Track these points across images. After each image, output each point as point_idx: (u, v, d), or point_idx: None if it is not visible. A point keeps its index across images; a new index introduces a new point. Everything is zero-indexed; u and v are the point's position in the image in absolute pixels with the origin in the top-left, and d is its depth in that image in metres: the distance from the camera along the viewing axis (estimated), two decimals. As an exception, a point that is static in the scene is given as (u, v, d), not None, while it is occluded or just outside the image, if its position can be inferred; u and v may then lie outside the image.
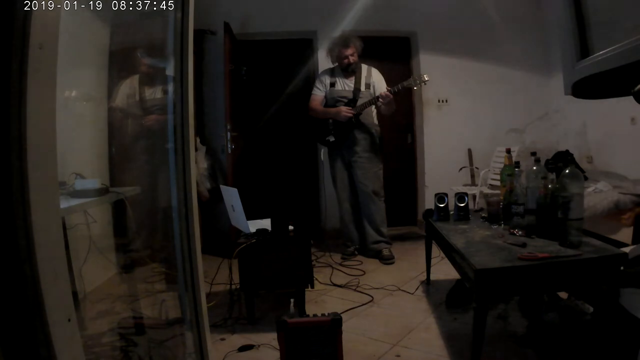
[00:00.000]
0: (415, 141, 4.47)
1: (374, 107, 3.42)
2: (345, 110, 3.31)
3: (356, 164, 3.39)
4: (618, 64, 0.67)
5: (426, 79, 3.22)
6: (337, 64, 3.44)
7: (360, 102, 3.35)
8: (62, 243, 0.70)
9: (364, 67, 3.45)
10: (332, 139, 3.40)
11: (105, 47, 2.79)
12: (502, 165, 2.57)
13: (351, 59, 3.34)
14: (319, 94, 3.50)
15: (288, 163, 4.49)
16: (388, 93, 3.18)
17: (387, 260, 3.35)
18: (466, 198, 2.51)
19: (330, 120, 3.40)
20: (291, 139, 4.49)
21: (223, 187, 2.47)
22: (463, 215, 2.46)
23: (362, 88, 3.39)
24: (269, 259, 2.26)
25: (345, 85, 3.43)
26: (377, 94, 3.28)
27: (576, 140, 3.95)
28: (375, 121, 3.48)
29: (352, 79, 3.42)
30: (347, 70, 3.39)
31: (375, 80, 3.42)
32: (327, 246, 3.77)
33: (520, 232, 1.97)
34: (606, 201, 2.62)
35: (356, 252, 3.54)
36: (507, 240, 1.89)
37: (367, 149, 3.39)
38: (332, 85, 3.46)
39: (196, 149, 3.54)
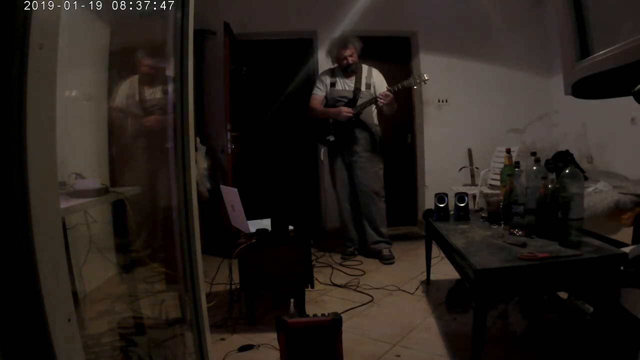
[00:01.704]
0: (415, 141, 4.47)
1: (374, 107, 3.42)
2: (345, 111, 3.31)
3: (356, 164, 3.39)
4: (618, 64, 0.67)
5: (426, 78, 3.22)
6: (337, 64, 3.45)
7: (360, 102, 3.35)
8: (62, 243, 0.69)
9: (365, 67, 3.45)
10: (332, 138, 3.40)
11: (105, 47, 2.79)
12: (502, 165, 2.56)
13: (350, 59, 3.34)
14: (319, 93, 3.49)
15: (288, 163, 4.48)
16: (388, 92, 3.19)
17: (387, 260, 3.35)
18: (466, 198, 2.51)
19: (331, 120, 3.40)
20: (291, 139, 4.49)
21: (223, 187, 2.47)
22: (463, 215, 2.46)
23: (363, 88, 3.39)
24: (269, 259, 2.26)
25: (345, 85, 3.43)
26: (378, 93, 3.29)
27: (576, 140, 3.95)
28: (376, 121, 3.48)
29: (353, 79, 3.42)
30: (347, 71, 3.39)
31: (376, 81, 3.42)
32: (327, 246, 3.77)
33: (520, 232, 1.97)
34: (606, 201, 2.62)
35: (356, 252, 3.54)
36: (507, 240, 1.89)
37: (367, 149, 3.39)
38: (333, 85, 3.46)
39: (196, 149, 3.54)
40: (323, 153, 3.61)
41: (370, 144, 3.41)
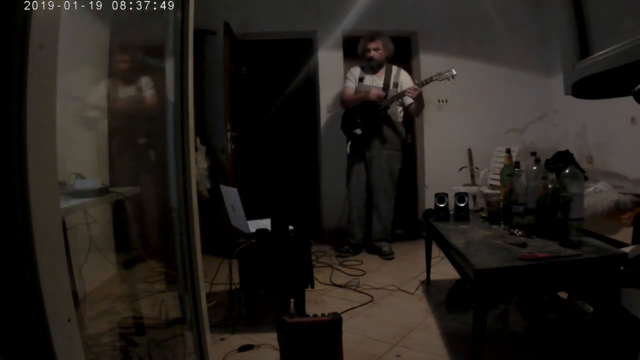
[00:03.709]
0: (415, 141, 4.46)
1: (400, 108, 3.47)
2: (376, 89, 3.35)
3: (376, 160, 3.42)
4: (618, 64, 0.67)
5: (454, 72, 3.24)
6: (364, 62, 3.50)
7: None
8: (62, 243, 0.69)
9: (394, 67, 3.51)
10: (359, 132, 3.43)
11: (105, 47, 2.79)
12: (502, 165, 2.56)
13: (373, 53, 3.40)
14: (351, 85, 3.55)
15: (288, 163, 4.48)
16: (415, 86, 3.23)
17: (387, 255, 3.40)
18: (466, 198, 2.50)
19: (358, 114, 3.43)
20: (291, 139, 4.49)
21: (223, 187, 2.47)
22: (463, 215, 2.46)
23: (391, 86, 3.43)
24: (269, 259, 2.26)
25: (373, 81, 3.47)
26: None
27: (576, 140, 3.95)
28: (400, 120, 3.52)
29: (382, 76, 3.47)
30: (370, 63, 3.44)
31: (403, 80, 3.46)
32: (327, 246, 3.77)
33: (520, 232, 1.97)
34: (606, 201, 2.62)
35: (351, 251, 3.55)
36: (507, 240, 1.89)
37: (390, 147, 3.44)
38: (361, 80, 3.51)
39: (196, 149, 3.54)
40: (349, 147, 3.59)
41: (394, 143, 3.45)
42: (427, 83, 3.27)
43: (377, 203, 3.47)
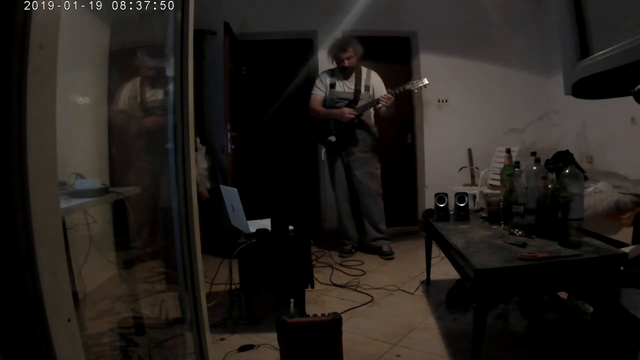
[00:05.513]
0: (415, 141, 4.47)
1: (372, 109, 3.44)
2: (348, 112, 3.33)
3: (354, 165, 3.43)
4: (618, 64, 0.67)
5: (426, 82, 3.25)
6: (336, 66, 3.47)
7: (360, 103, 3.37)
8: (62, 243, 0.69)
9: (364, 69, 3.48)
10: (333, 139, 3.42)
11: (105, 47, 2.79)
12: (502, 165, 2.56)
13: (347, 62, 3.37)
14: (319, 93, 3.51)
15: (288, 163, 4.48)
16: (390, 96, 3.22)
17: (387, 255, 3.40)
18: (466, 198, 2.51)
19: (331, 121, 3.41)
20: (291, 139, 4.49)
21: (223, 187, 2.47)
22: (463, 215, 2.46)
23: (362, 90, 3.41)
24: (269, 259, 2.26)
25: (345, 87, 3.45)
26: (377, 96, 3.33)
27: (576, 140, 3.95)
28: (373, 122, 3.52)
29: (352, 80, 3.44)
30: (346, 72, 3.42)
31: (375, 83, 3.45)
32: (327, 246, 3.77)
33: (520, 232, 1.97)
34: (606, 201, 2.62)
35: (353, 250, 3.55)
36: (507, 240, 1.89)
37: (365, 150, 3.43)
38: (332, 86, 3.48)
39: (196, 149, 3.54)
40: (324, 153, 3.63)
41: (368, 145, 3.45)
42: (400, 92, 3.27)
43: (365, 206, 3.48)
